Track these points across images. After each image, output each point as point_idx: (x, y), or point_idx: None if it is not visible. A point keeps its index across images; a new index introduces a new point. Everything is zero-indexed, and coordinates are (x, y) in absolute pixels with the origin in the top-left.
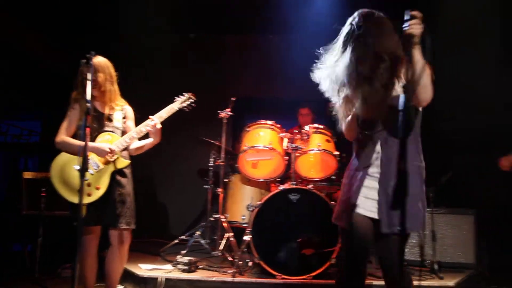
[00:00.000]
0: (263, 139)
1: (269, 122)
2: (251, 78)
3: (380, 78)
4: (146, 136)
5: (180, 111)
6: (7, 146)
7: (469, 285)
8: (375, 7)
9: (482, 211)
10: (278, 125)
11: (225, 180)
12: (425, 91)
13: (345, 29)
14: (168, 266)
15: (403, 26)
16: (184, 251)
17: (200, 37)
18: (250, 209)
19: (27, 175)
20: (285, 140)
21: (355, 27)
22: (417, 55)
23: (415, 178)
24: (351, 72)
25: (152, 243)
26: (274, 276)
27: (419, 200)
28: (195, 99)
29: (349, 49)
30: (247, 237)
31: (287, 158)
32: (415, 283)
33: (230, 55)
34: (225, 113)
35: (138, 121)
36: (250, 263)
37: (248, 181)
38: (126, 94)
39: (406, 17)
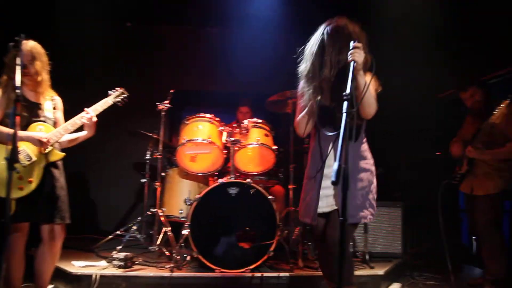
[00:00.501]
0: (202, 133)
1: (208, 115)
2: (191, 71)
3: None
4: (79, 128)
5: (114, 105)
6: None
7: (396, 273)
8: (315, 7)
9: (409, 204)
10: (217, 119)
11: (162, 173)
12: (369, 108)
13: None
14: (103, 263)
15: (348, 54)
16: (120, 247)
17: (138, 26)
18: (188, 203)
19: None
20: (224, 134)
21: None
22: (361, 79)
23: (365, 174)
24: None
25: (86, 239)
26: (212, 270)
27: (369, 192)
28: (127, 94)
29: (326, 40)
30: (185, 231)
31: (226, 152)
32: None
33: (170, 46)
34: (163, 105)
35: (67, 113)
36: (188, 258)
37: (186, 174)
38: (58, 84)
39: (350, 47)
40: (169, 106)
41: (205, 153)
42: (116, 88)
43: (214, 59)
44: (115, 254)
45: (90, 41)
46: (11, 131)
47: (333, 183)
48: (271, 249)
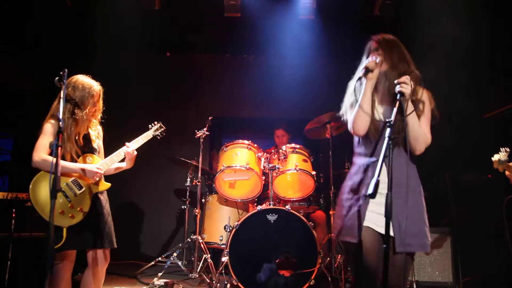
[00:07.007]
0: (240, 159)
1: (246, 141)
2: (228, 98)
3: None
4: None
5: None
6: None
7: None
8: (347, 31)
9: (458, 229)
10: (255, 145)
11: (202, 200)
12: (415, 141)
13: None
14: None
15: (395, 86)
16: (161, 273)
17: (176, 55)
18: (227, 230)
19: None
20: (263, 160)
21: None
22: (409, 110)
23: (420, 198)
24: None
25: (128, 265)
26: None
27: (425, 219)
28: (164, 128)
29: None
30: (224, 258)
31: (265, 178)
32: None
33: (208, 74)
34: (201, 133)
35: (106, 142)
36: (228, 285)
37: (226, 201)
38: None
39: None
40: (207, 133)
41: (243, 180)
42: (155, 122)
43: (251, 85)
44: (156, 281)
45: (129, 70)
46: (66, 164)
47: (370, 195)
48: (313, 277)
